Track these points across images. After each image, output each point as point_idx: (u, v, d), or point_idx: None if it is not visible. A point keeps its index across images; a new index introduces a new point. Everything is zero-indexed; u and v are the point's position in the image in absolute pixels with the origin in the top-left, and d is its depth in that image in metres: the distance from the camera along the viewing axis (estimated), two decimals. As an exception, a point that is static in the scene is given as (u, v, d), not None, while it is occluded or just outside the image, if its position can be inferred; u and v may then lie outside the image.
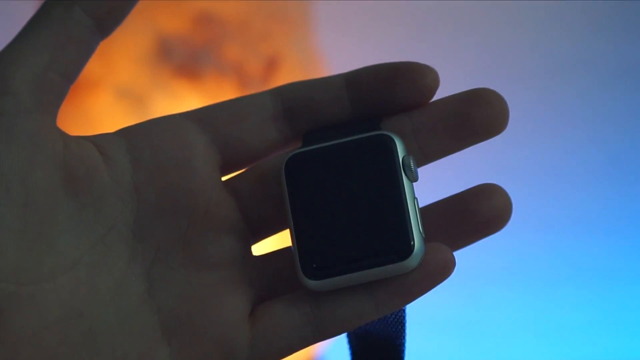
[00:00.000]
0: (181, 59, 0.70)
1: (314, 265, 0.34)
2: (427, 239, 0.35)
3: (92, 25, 0.34)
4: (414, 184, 0.35)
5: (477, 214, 0.35)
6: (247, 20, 0.71)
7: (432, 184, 0.41)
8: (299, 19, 0.75)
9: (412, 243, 0.34)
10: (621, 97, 0.98)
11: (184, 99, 0.70)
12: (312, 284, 0.34)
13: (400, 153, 0.35)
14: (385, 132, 0.35)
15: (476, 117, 0.35)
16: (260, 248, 0.38)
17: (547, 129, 0.97)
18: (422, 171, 0.36)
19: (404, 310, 0.36)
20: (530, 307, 0.96)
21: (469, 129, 0.35)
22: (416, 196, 0.35)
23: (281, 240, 0.39)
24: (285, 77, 0.73)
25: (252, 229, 0.36)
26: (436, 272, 0.34)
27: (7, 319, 0.31)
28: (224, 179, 0.37)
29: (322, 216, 0.35)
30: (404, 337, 0.36)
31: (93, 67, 0.70)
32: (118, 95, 0.70)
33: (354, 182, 0.35)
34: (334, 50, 0.80)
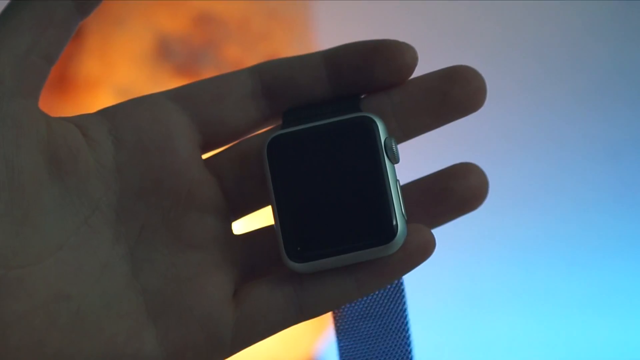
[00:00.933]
0: (181, 59, 0.70)
1: (298, 248, 0.35)
2: (408, 220, 0.35)
3: (72, 7, 0.34)
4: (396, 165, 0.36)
5: (455, 192, 0.35)
6: (247, 20, 0.71)
7: (411, 161, 0.42)
8: (299, 19, 0.75)
9: (395, 226, 0.34)
10: (621, 97, 0.98)
11: (184, 99, 0.70)
12: (296, 266, 0.35)
13: (382, 135, 0.35)
14: (367, 114, 0.35)
15: (455, 94, 0.35)
16: (241, 225, 0.38)
17: (547, 129, 0.97)
18: (401, 148, 0.36)
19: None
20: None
21: (447, 107, 0.35)
22: (398, 178, 0.35)
23: (262, 217, 0.39)
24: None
25: (232, 207, 0.37)
26: (417, 252, 0.35)
27: None
28: (204, 157, 0.37)
29: (304, 198, 0.35)
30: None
31: (93, 67, 0.70)
32: (118, 95, 0.70)
33: (336, 164, 0.35)
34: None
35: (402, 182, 0.36)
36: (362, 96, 0.37)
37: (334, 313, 0.37)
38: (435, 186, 0.36)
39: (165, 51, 0.69)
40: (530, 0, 0.97)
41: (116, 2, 0.69)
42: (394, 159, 0.35)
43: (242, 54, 0.71)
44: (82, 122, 0.35)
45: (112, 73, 0.70)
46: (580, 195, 0.98)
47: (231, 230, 0.37)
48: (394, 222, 0.34)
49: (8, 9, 0.34)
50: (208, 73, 0.70)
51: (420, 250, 0.35)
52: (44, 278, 0.32)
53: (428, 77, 0.36)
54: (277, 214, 0.35)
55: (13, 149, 0.32)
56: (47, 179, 0.33)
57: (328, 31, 0.81)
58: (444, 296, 0.96)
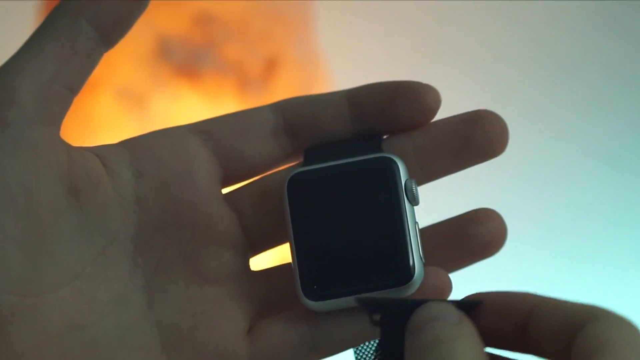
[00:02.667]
0: (181, 59, 0.70)
1: (314, 287, 0.35)
2: (426, 262, 0.35)
3: (97, 37, 0.34)
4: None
5: (474, 238, 0.35)
6: (247, 20, 0.71)
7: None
8: (299, 19, 0.75)
9: (412, 268, 0.34)
10: (621, 97, 0.98)
11: (184, 99, 0.70)
12: (312, 304, 0.35)
13: (403, 176, 0.35)
14: (388, 155, 0.35)
15: (478, 139, 0.35)
16: (258, 261, 0.38)
17: (547, 129, 0.97)
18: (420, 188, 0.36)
19: None
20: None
21: (470, 151, 0.35)
22: (417, 220, 0.35)
23: (280, 255, 0.39)
24: (285, 77, 0.73)
25: (251, 243, 0.37)
26: (433, 295, 0.35)
27: (9, 331, 0.31)
28: (224, 191, 0.37)
29: (323, 237, 0.35)
30: None
31: (93, 67, 0.70)
32: (118, 95, 0.70)
33: (356, 204, 0.35)
34: (334, 50, 0.80)
35: (420, 223, 0.36)
36: (384, 137, 0.37)
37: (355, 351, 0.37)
38: (455, 231, 0.36)
39: (165, 51, 0.70)
40: (530, 0, 0.97)
41: (116, 2, 0.69)
42: (414, 201, 0.35)
43: (242, 54, 0.71)
44: (102, 152, 0.35)
45: (112, 73, 0.70)
46: (580, 197, 0.98)
47: (249, 266, 0.37)
48: (412, 264, 0.34)
49: (32, 37, 0.34)
50: (208, 73, 0.70)
51: (436, 293, 0.35)
52: (58, 307, 0.32)
53: (450, 120, 0.36)
54: (294, 251, 0.35)
55: (32, 177, 0.32)
56: (66, 208, 0.33)
57: (328, 31, 0.81)
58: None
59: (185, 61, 0.70)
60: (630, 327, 0.28)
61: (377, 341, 0.35)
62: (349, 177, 0.35)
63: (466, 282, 0.38)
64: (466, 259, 0.36)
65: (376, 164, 0.35)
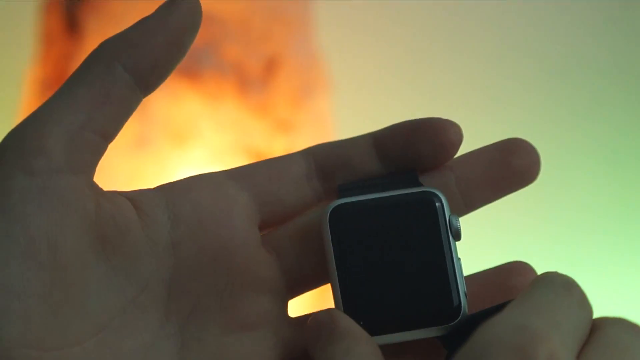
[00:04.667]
0: (181, 59, 0.70)
1: (361, 323, 0.34)
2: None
3: (133, 83, 0.33)
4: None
5: (514, 289, 0.36)
6: (247, 20, 0.71)
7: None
8: (299, 19, 0.75)
9: (459, 305, 0.34)
10: (621, 97, 0.98)
11: (183, 99, 0.70)
12: None
13: (447, 212, 0.35)
14: (431, 189, 0.35)
15: (515, 165, 0.36)
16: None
17: (547, 129, 0.97)
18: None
19: None
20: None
21: (508, 179, 0.36)
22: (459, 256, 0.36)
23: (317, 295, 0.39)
24: (285, 77, 0.73)
25: (290, 285, 0.36)
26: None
27: None
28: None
29: (366, 272, 0.35)
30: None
31: (93, 67, 0.70)
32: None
33: (398, 238, 0.35)
34: (334, 50, 0.80)
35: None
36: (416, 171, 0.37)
37: None
38: (496, 282, 0.36)
39: (165, 51, 0.69)
40: (530, 0, 0.97)
41: (116, 2, 0.69)
42: (457, 237, 0.35)
43: (242, 54, 0.71)
44: (137, 197, 0.34)
45: (112, 73, 0.70)
46: (580, 197, 0.98)
47: (286, 311, 0.36)
48: (459, 301, 0.34)
49: (66, 83, 0.33)
50: (208, 73, 0.70)
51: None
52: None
53: (487, 150, 0.37)
54: (338, 286, 0.35)
55: (57, 229, 0.31)
56: (93, 259, 0.32)
57: (328, 31, 0.81)
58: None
59: (185, 61, 0.69)
60: (553, 288, 0.30)
61: None
62: (391, 211, 0.35)
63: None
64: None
65: (420, 198, 0.35)
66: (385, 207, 0.35)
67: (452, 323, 0.34)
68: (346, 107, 0.82)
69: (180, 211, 0.34)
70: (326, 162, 0.37)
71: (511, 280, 0.36)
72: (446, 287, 0.34)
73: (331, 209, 0.35)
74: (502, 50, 0.97)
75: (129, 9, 0.69)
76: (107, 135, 0.33)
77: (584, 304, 0.30)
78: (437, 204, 0.35)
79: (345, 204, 0.35)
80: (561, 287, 0.30)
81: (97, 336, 0.32)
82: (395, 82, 0.94)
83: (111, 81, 0.33)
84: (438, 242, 0.35)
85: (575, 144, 0.98)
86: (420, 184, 0.36)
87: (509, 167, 0.36)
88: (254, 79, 0.71)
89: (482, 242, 0.94)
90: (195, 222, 0.34)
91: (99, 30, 0.69)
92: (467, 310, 0.34)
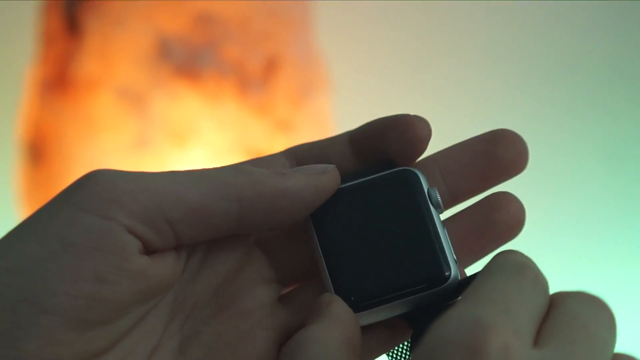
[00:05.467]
0: (181, 59, 0.70)
1: (352, 298, 0.34)
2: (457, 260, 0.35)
3: (237, 224, 0.34)
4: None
5: (498, 223, 0.36)
6: (247, 20, 0.71)
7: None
8: (299, 19, 0.75)
9: (448, 268, 0.34)
10: (621, 97, 0.98)
11: (183, 99, 0.70)
12: None
13: (425, 185, 0.36)
14: (407, 168, 0.36)
15: (501, 156, 0.36)
16: None
17: (546, 129, 0.97)
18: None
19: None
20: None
21: (494, 169, 0.36)
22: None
23: None
24: (285, 77, 0.73)
25: (280, 280, 0.37)
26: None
27: None
28: None
29: (353, 251, 0.35)
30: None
31: (93, 67, 0.70)
32: (118, 95, 0.70)
33: (382, 216, 0.35)
34: (334, 50, 0.80)
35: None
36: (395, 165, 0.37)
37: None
38: (478, 219, 0.36)
39: (165, 51, 0.70)
40: (530, 0, 0.97)
41: (116, 2, 0.69)
42: (439, 208, 0.36)
43: (242, 54, 0.71)
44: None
45: (112, 73, 0.70)
46: (580, 197, 0.98)
47: (278, 296, 0.37)
48: (447, 265, 0.34)
49: (192, 172, 0.34)
50: (208, 73, 0.70)
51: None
52: None
53: (472, 141, 0.37)
54: (325, 268, 0.35)
55: (106, 274, 0.31)
56: (133, 303, 0.32)
57: (328, 31, 0.81)
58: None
59: (185, 61, 0.70)
60: (508, 275, 0.30)
61: (408, 343, 0.35)
62: (371, 192, 0.36)
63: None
64: (493, 245, 0.36)
65: (397, 176, 0.36)
66: (364, 189, 0.36)
67: (443, 286, 0.34)
68: (346, 107, 0.82)
69: (176, 209, 0.35)
70: (307, 161, 0.37)
71: (496, 213, 0.36)
72: (433, 253, 0.34)
73: None
74: (502, 50, 0.97)
75: (129, 9, 0.69)
76: (180, 240, 0.33)
77: (538, 283, 0.30)
78: (412, 179, 0.36)
79: None
80: (513, 270, 0.30)
81: (115, 347, 0.32)
82: (395, 82, 0.94)
83: (221, 209, 0.33)
84: (419, 213, 0.35)
85: (574, 143, 0.98)
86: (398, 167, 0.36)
87: (494, 158, 0.36)
88: (254, 79, 0.71)
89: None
90: (193, 224, 0.35)
91: (99, 30, 0.69)
92: (458, 273, 0.34)
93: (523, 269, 0.30)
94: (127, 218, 0.32)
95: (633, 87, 0.98)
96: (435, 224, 0.35)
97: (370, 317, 0.34)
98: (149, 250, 0.33)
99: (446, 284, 0.34)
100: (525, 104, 0.95)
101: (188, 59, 0.69)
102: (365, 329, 0.35)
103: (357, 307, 0.34)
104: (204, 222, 0.33)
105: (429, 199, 0.35)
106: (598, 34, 0.98)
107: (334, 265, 0.35)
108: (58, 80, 0.71)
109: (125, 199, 0.32)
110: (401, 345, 0.36)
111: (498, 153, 0.36)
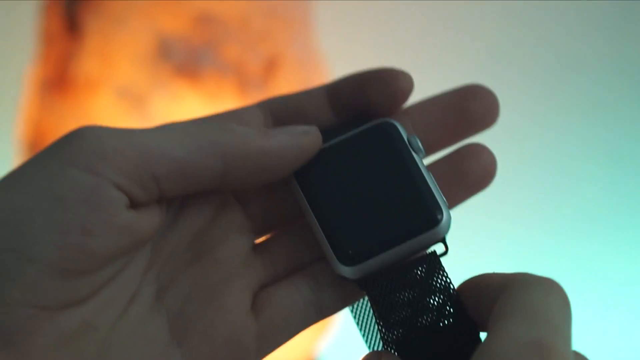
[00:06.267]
0: (181, 59, 0.70)
1: (350, 252, 0.35)
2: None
3: (220, 180, 0.35)
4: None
5: (470, 173, 0.37)
6: (247, 20, 0.71)
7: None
8: (299, 19, 0.75)
9: (440, 209, 0.35)
10: (621, 97, 0.98)
11: (184, 99, 0.70)
12: (351, 270, 0.35)
13: (404, 133, 0.36)
14: (384, 119, 0.36)
15: (472, 109, 0.37)
16: None
17: (547, 129, 0.97)
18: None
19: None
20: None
21: (465, 122, 0.37)
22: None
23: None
24: (285, 77, 0.73)
25: (254, 229, 0.37)
26: None
27: (24, 340, 0.31)
28: None
29: (344, 207, 0.35)
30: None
31: (93, 67, 0.70)
32: (118, 95, 0.70)
33: (367, 169, 0.36)
34: (334, 50, 0.80)
35: None
36: (368, 120, 0.37)
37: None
38: (450, 168, 0.37)
39: (165, 51, 0.70)
40: (530, 0, 0.97)
41: (116, 2, 0.69)
42: (421, 152, 0.36)
43: (242, 54, 0.71)
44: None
45: (112, 73, 0.70)
46: (580, 197, 0.98)
47: (252, 245, 0.37)
48: (438, 207, 0.35)
49: (175, 124, 0.35)
50: (208, 73, 0.70)
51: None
52: (77, 315, 0.32)
53: (445, 96, 0.37)
54: (319, 227, 0.35)
55: (94, 226, 0.32)
56: (118, 255, 0.33)
57: (328, 31, 0.81)
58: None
59: (185, 61, 0.70)
60: (545, 290, 0.30)
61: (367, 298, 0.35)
62: (352, 148, 0.36)
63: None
64: (463, 195, 0.37)
65: (376, 129, 0.36)
66: (345, 147, 0.36)
67: (436, 227, 0.34)
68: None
69: (162, 165, 0.35)
70: (281, 113, 0.38)
71: (466, 164, 0.37)
72: (422, 197, 0.35)
73: None
74: (502, 50, 0.97)
75: (129, 9, 0.69)
76: (164, 194, 0.34)
77: (566, 299, 0.31)
78: (391, 129, 0.36)
79: None
80: (548, 289, 0.30)
81: (96, 295, 0.33)
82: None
83: (206, 166, 0.34)
84: (403, 161, 0.35)
85: (575, 143, 0.99)
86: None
87: (466, 112, 0.37)
88: (254, 79, 0.71)
89: (479, 245, 0.95)
90: (178, 180, 0.35)
91: (99, 30, 0.69)
92: (449, 213, 0.35)
93: (554, 286, 0.31)
94: (115, 174, 0.32)
95: (633, 87, 0.98)
96: (420, 170, 0.35)
97: (370, 267, 0.34)
98: (134, 204, 0.33)
99: (441, 223, 0.34)
100: (525, 103, 0.95)
101: (188, 59, 0.69)
102: (323, 286, 0.35)
103: (356, 259, 0.34)
104: (188, 178, 0.34)
105: (410, 146, 0.36)
106: (598, 34, 0.98)
107: (327, 223, 0.35)
108: (58, 80, 0.71)
109: (113, 156, 0.32)
110: (363, 300, 0.37)
111: (469, 107, 0.37)
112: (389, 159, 0.36)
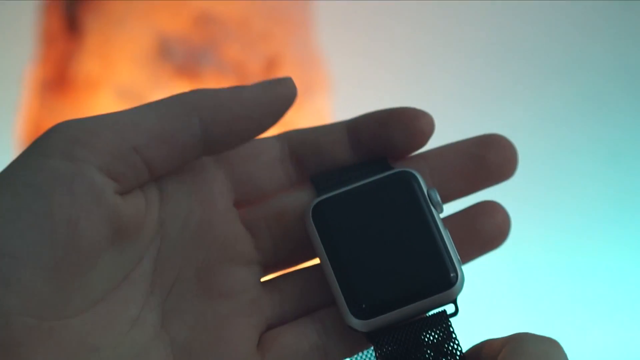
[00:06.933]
0: (181, 59, 0.70)
1: (363, 306, 0.34)
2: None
3: (200, 139, 0.34)
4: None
5: (483, 232, 0.36)
6: (247, 20, 0.71)
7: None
8: (299, 19, 0.75)
9: (455, 271, 0.34)
10: (621, 97, 0.98)
11: (184, 99, 0.70)
12: (363, 323, 0.34)
13: (424, 186, 0.36)
14: (405, 169, 0.36)
15: (491, 160, 0.36)
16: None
17: (546, 129, 0.97)
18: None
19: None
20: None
21: (483, 172, 0.37)
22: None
23: None
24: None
25: (264, 263, 0.37)
26: None
27: (23, 353, 0.30)
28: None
29: (359, 257, 0.35)
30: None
31: (93, 67, 0.70)
32: (118, 95, 0.70)
33: (385, 220, 0.35)
34: (334, 50, 0.80)
35: None
36: (387, 159, 0.37)
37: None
38: (463, 226, 0.36)
39: (165, 51, 0.70)
40: (530, 0, 0.97)
41: (116, 2, 0.69)
42: (439, 208, 0.36)
43: (242, 54, 0.71)
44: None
45: (112, 73, 0.70)
46: (580, 197, 0.98)
47: (260, 281, 0.37)
48: (454, 268, 0.34)
49: (151, 103, 0.34)
50: (208, 73, 0.70)
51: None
52: (76, 330, 0.32)
53: (464, 143, 0.37)
54: (333, 275, 0.35)
55: (80, 214, 0.31)
56: (108, 245, 0.33)
57: (328, 31, 0.81)
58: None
59: (185, 61, 0.70)
60: (546, 344, 0.31)
61: (372, 350, 0.35)
62: (372, 196, 0.36)
63: (470, 286, 0.38)
64: (474, 252, 0.37)
65: (397, 178, 0.36)
66: (364, 194, 0.36)
67: (450, 289, 0.34)
68: (346, 107, 0.82)
69: (167, 188, 0.35)
70: (300, 147, 0.37)
71: (479, 222, 0.36)
72: (438, 256, 0.34)
73: (312, 206, 0.36)
74: (502, 50, 0.97)
75: (129, 9, 0.69)
76: (152, 170, 0.34)
77: (566, 357, 0.31)
78: (412, 180, 0.36)
79: (325, 199, 0.36)
80: (549, 343, 0.31)
81: (93, 309, 0.32)
82: (395, 82, 0.94)
83: (182, 126, 0.33)
84: (421, 216, 0.35)
85: (574, 143, 0.99)
86: (392, 169, 0.36)
87: (483, 162, 0.36)
88: (254, 79, 0.71)
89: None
90: (179, 198, 0.35)
91: (99, 30, 0.69)
92: (463, 275, 0.34)
93: (553, 341, 0.31)
94: (94, 155, 0.32)
95: (633, 87, 0.98)
96: (439, 226, 0.35)
97: (382, 322, 0.34)
98: (123, 188, 0.33)
99: (455, 285, 0.34)
100: (525, 104, 0.95)
101: (188, 59, 0.69)
102: (330, 332, 0.35)
103: (369, 314, 0.34)
104: (168, 144, 0.33)
105: (430, 199, 0.35)
106: (598, 34, 0.98)
107: (342, 273, 0.35)
108: (58, 80, 0.71)
109: (88, 137, 0.32)
110: (367, 352, 0.36)
111: (488, 157, 0.36)
112: (408, 212, 0.35)
